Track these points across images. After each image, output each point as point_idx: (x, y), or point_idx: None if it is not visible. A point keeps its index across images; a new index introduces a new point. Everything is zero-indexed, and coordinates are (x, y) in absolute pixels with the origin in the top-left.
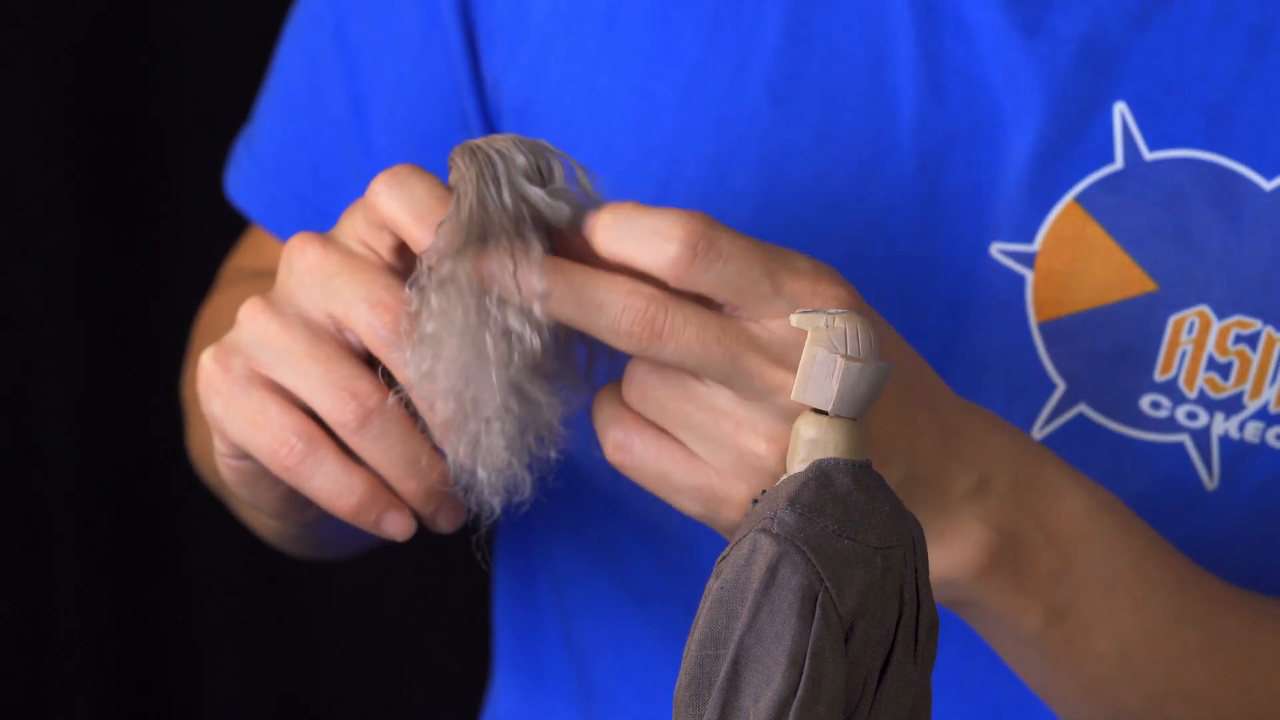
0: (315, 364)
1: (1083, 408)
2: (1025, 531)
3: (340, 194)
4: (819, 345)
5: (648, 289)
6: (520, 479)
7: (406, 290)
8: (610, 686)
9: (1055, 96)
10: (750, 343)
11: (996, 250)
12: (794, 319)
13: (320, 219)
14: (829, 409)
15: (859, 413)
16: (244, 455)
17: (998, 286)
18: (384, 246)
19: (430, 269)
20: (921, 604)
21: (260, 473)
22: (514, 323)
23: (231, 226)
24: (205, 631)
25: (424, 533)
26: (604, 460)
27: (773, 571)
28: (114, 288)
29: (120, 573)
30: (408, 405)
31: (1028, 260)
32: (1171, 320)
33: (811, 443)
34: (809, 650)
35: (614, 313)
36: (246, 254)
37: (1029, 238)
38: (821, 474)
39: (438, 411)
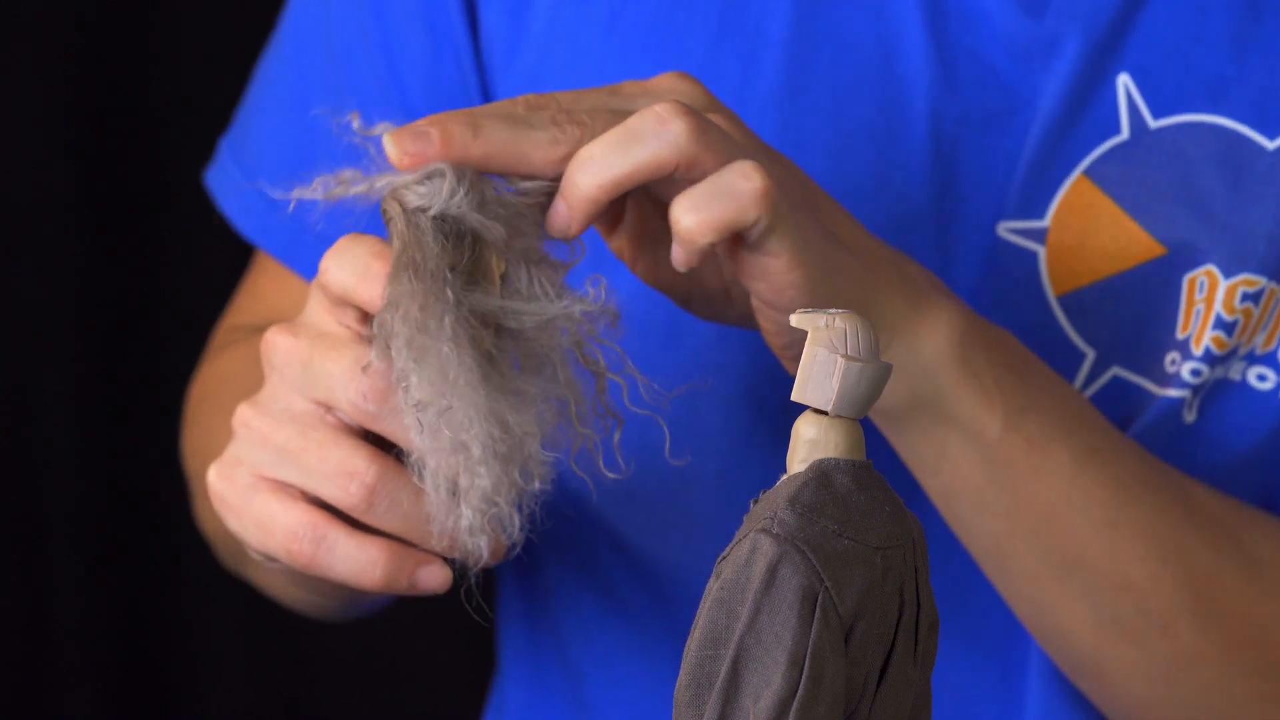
0: (309, 455)
1: (1116, 370)
2: (981, 324)
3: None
4: (819, 345)
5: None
6: (507, 517)
7: (373, 352)
8: (600, 700)
9: (1061, 75)
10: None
11: (1005, 229)
12: (794, 319)
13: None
14: (829, 409)
15: (859, 412)
16: (274, 559)
17: (1011, 265)
18: (350, 319)
19: (388, 318)
20: (922, 604)
21: (293, 571)
22: (474, 330)
23: (231, 226)
24: (205, 631)
25: None
26: (583, 478)
27: (773, 571)
28: (114, 288)
29: (120, 573)
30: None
31: (1039, 236)
32: (1185, 279)
33: (811, 442)
34: (809, 650)
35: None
36: (241, 310)
37: (1040, 214)
38: (821, 474)
39: (427, 459)
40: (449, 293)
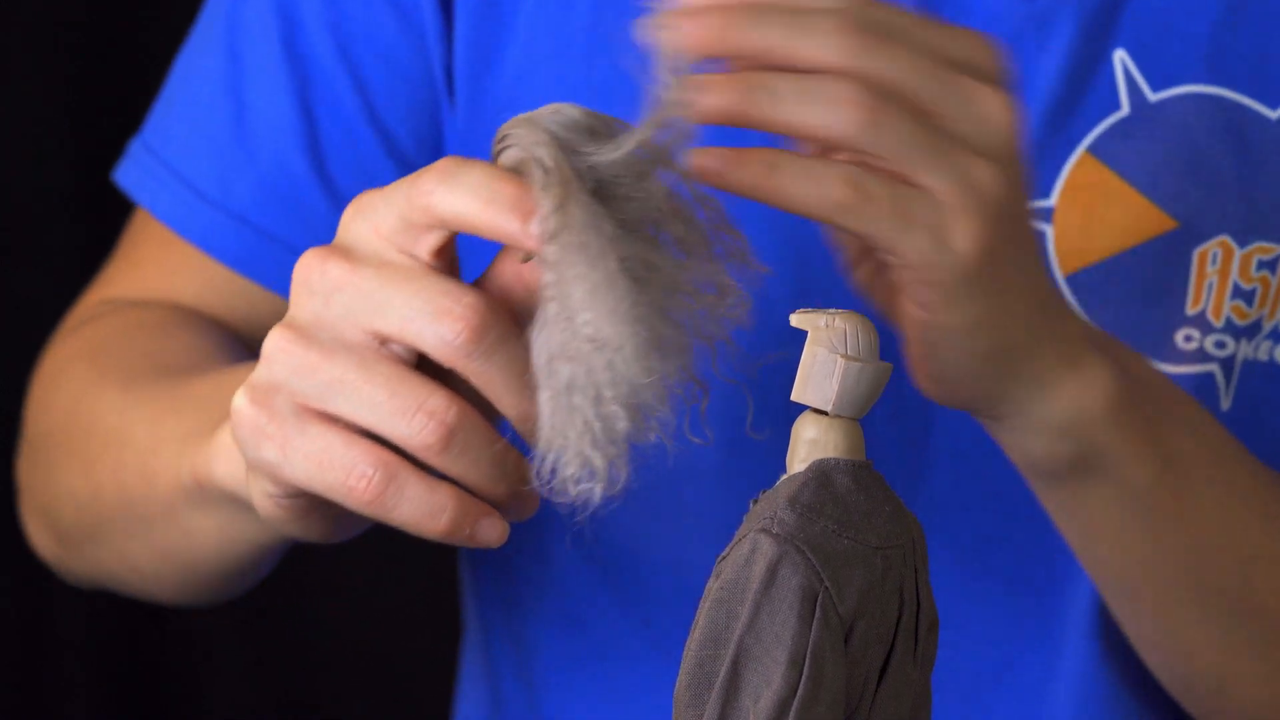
0: (376, 389)
1: None
2: (1131, 374)
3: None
4: (819, 345)
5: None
6: (619, 466)
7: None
8: (557, 704)
9: (1057, 54)
10: (947, 59)
11: None
12: (794, 319)
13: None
14: (829, 409)
15: (859, 412)
16: (295, 494)
17: None
18: (425, 249)
19: (547, 236)
20: (921, 604)
21: (311, 507)
22: (648, 254)
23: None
24: (205, 632)
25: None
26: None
27: (773, 571)
28: None
29: None
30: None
31: (1045, 216)
32: (1195, 253)
33: (811, 442)
34: (809, 650)
35: (820, 183)
36: (116, 282)
37: (1045, 193)
38: (821, 474)
39: (551, 397)
40: (608, 226)
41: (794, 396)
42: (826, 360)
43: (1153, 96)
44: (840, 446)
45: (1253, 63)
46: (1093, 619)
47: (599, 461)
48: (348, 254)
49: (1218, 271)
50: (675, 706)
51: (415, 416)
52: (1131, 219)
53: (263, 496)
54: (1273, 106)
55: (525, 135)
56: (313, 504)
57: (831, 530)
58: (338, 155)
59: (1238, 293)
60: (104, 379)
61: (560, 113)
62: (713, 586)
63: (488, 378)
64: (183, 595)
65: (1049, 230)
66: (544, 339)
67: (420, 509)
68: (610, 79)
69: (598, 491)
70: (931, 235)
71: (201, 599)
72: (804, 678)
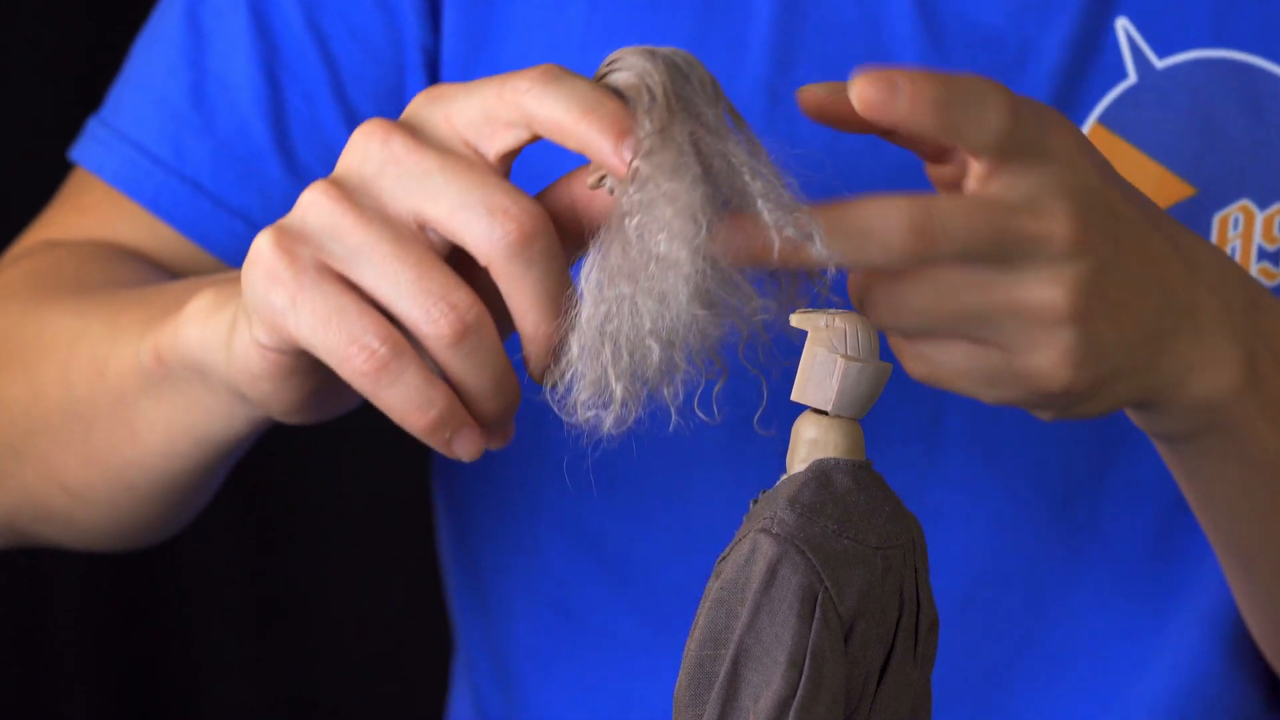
0: (406, 268)
1: None
2: (1260, 350)
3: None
4: (819, 345)
5: (900, 198)
6: (633, 403)
7: (604, 182)
8: (535, 694)
9: (1060, 27)
10: (1005, 207)
11: None
12: (794, 319)
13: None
14: (829, 409)
15: (859, 412)
16: (287, 349)
17: None
18: (496, 149)
19: (643, 152)
20: (921, 604)
21: (296, 369)
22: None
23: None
24: (205, 632)
25: (430, 532)
26: (528, 467)
27: (773, 571)
28: None
29: (120, 573)
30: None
31: None
32: (1216, 219)
33: (812, 442)
34: (809, 650)
35: (881, 229)
36: (57, 224)
37: None
38: (821, 474)
39: (591, 316)
40: (701, 165)
41: (794, 396)
42: (826, 360)
43: (1159, 64)
44: (840, 446)
45: (1258, 22)
46: (1110, 594)
47: (618, 391)
48: (414, 132)
49: (1240, 235)
50: (675, 706)
51: (437, 304)
52: (1149, 188)
53: (250, 344)
54: None
55: (639, 62)
56: (298, 365)
57: (831, 530)
58: (301, 127)
59: (1263, 255)
60: (55, 292)
61: (687, 59)
62: (712, 586)
63: (521, 286)
64: (105, 524)
65: None
66: (603, 256)
67: (411, 398)
68: None
69: (607, 421)
70: (1023, 391)
71: (124, 532)
72: (804, 678)
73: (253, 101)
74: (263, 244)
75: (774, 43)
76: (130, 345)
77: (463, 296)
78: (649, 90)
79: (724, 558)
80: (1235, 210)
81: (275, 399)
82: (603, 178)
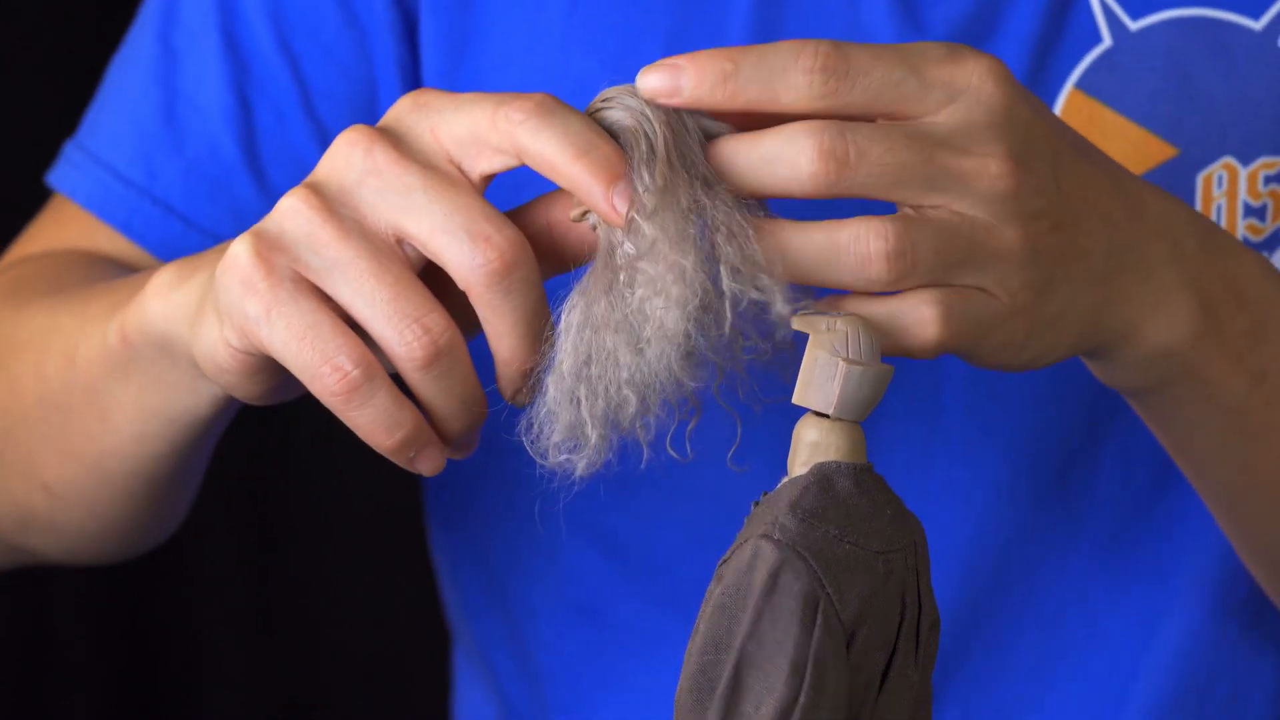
0: (382, 287)
1: None
2: (1219, 294)
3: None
4: (820, 349)
5: (812, 122)
6: (604, 449)
7: (594, 226)
8: (565, 693)
9: None
10: (931, 139)
11: None
12: (794, 322)
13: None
14: (830, 412)
15: (860, 415)
16: (256, 354)
17: None
18: (480, 170)
19: (638, 206)
20: (923, 606)
21: (262, 367)
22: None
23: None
24: (205, 632)
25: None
26: (540, 468)
27: (774, 578)
28: None
29: (120, 573)
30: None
31: None
32: (1200, 178)
33: (813, 445)
34: (811, 657)
35: (790, 157)
36: (39, 240)
37: None
38: (823, 477)
39: (571, 361)
40: (701, 198)
41: (795, 399)
42: (828, 364)
43: (1133, 25)
44: (842, 449)
45: None
46: (1107, 560)
47: (592, 438)
48: (397, 143)
49: (1225, 193)
50: (676, 711)
51: (410, 327)
52: (1130, 151)
53: (219, 341)
54: (1255, 17)
55: (635, 102)
56: (266, 365)
57: (833, 536)
58: (271, 145)
59: (1249, 211)
60: (31, 295)
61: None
62: (714, 591)
63: (499, 313)
64: (88, 525)
65: None
66: (586, 302)
67: (379, 420)
68: (586, 71)
69: (580, 466)
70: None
71: (107, 534)
72: (806, 685)
73: (222, 121)
74: (240, 250)
75: (753, 29)
76: (98, 330)
77: (436, 320)
78: (647, 136)
79: (725, 561)
80: (1218, 168)
81: (239, 389)
82: (586, 212)
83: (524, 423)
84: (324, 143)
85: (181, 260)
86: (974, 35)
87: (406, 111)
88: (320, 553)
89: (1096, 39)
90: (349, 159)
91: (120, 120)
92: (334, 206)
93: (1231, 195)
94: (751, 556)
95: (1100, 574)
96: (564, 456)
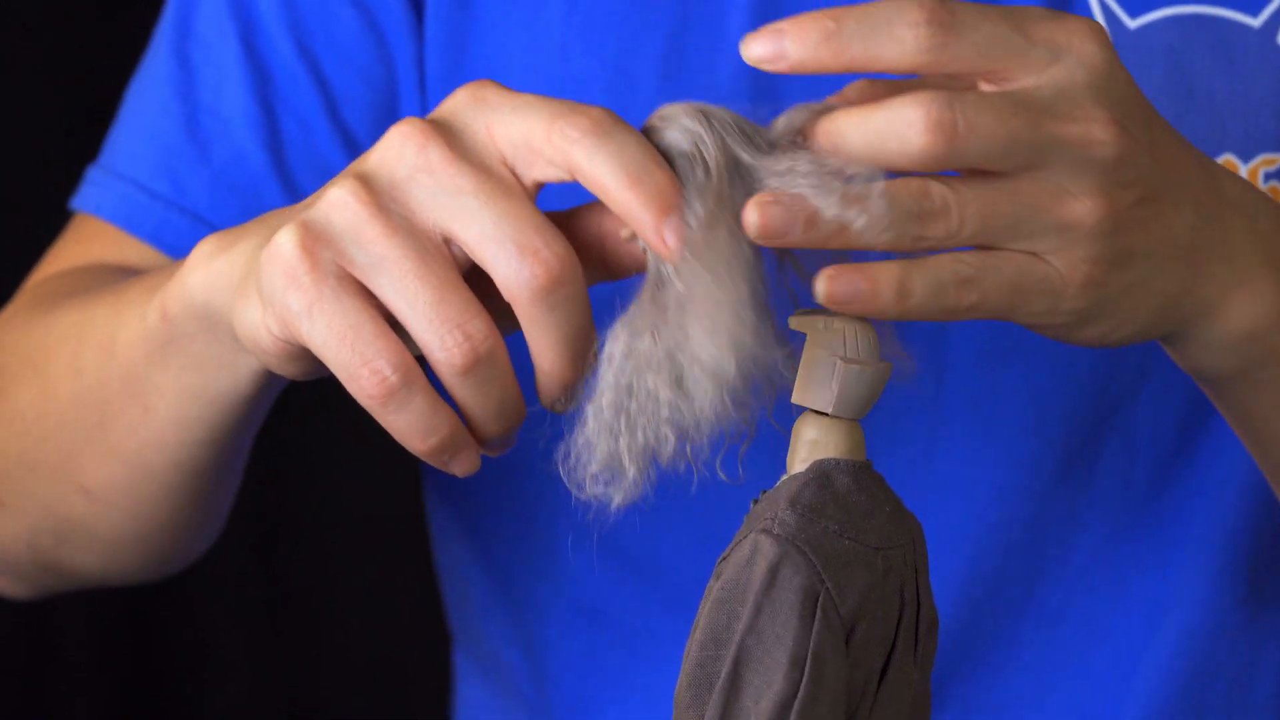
0: (426, 289)
1: None
2: None
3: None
4: (818, 348)
5: (921, 92)
6: (643, 482)
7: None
8: (571, 693)
9: None
10: (1038, 106)
11: None
12: (792, 321)
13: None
14: (829, 410)
15: (859, 413)
16: (295, 343)
17: None
18: (534, 178)
19: (691, 246)
20: (921, 604)
21: (302, 354)
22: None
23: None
24: (206, 633)
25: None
26: (545, 468)
27: (774, 572)
28: None
29: None
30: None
31: None
32: None
33: (812, 443)
34: (810, 651)
35: (899, 131)
36: (64, 259)
37: None
38: (822, 474)
39: (612, 393)
40: (748, 251)
41: (794, 399)
42: (826, 362)
43: (1132, 23)
44: (841, 447)
45: None
46: (1111, 551)
47: (630, 471)
48: (451, 141)
49: None
50: (676, 707)
51: (452, 332)
52: None
53: (260, 325)
54: (1254, 14)
55: (694, 125)
56: (305, 353)
57: (833, 531)
58: (297, 152)
59: None
60: (61, 300)
61: (737, 121)
62: (713, 587)
63: (543, 328)
64: (128, 529)
65: None
66: (630, 334)
67: (414, 425)
68: (586, 72)
69: (616, 499)
70: (1049, 296)
71: (148, 539)
72: (805, 679)
73: (248, 129)
74: (285, 241)
75: (755, 28)
76: (136, 315)
77: (479, 326)
78: (703, 161)
79: (724, 558)
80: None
81: (279, 369)
82: (635, 234)
83: (561, 450)
84: (349, 147)
85: (222, 231)
86: None
87: (464, 105)
88: (322, 554)
89: None
90: (401, 152)
91: (140, 138)
92: (383, 201)
93: None
94: (751, 551)
95: (1101, 570)
96: (601, 488)
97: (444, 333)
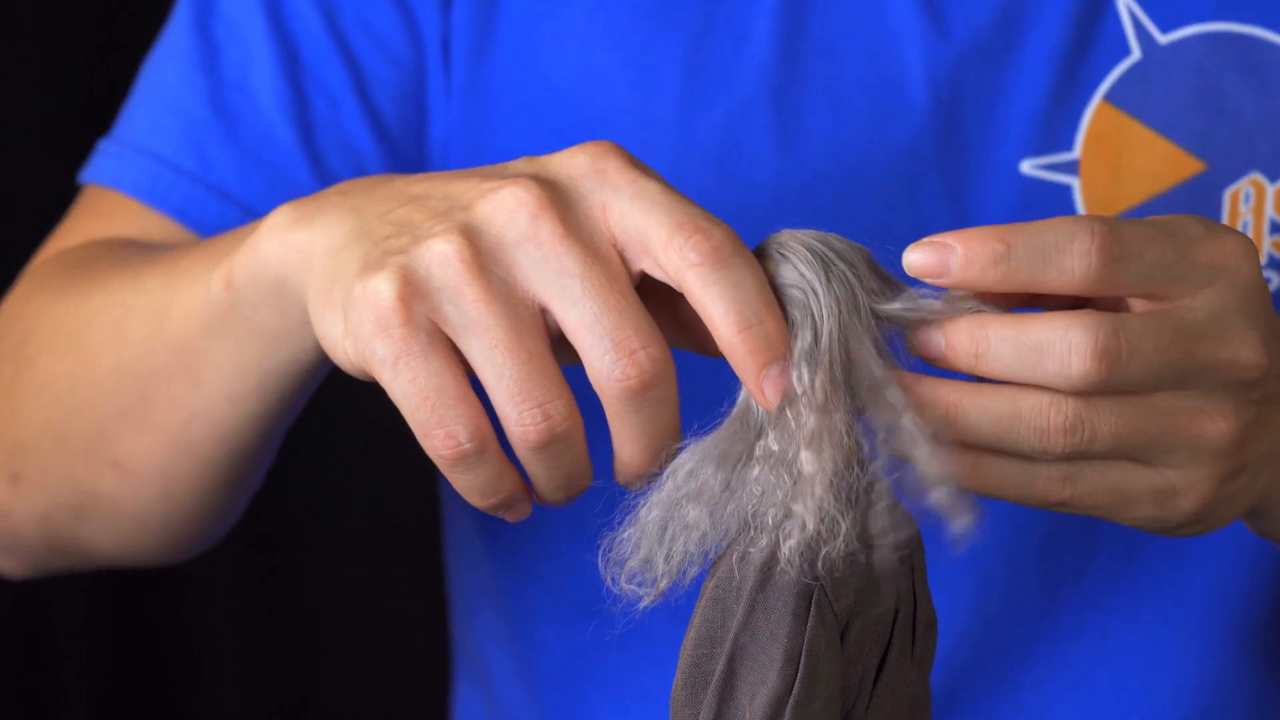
0: (514, 363)
1: None
2: None
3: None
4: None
5: (1086, 315)
6: (671, 587)
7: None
8: (564, 695)
9: (1060, 6)
10: (1193, 331)
11: (1031, 166)
12: None
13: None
14: None
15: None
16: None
17: (1043, 202)
18: (640, 269)
19: (788, 399)
20: (919, 602)
21: (368, 374)
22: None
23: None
24: (205, 633)
25: (430, 533)
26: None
27: (768, 569)
28: None
29: (120, 573)
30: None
31: (1071, 169)
32: (1227, 194)
33: None
34: (804, 648)
35: (1062, 353)
36: (77, 233)
37: (1067, 146)
38: None
39: (668, 502)
40: (843, 418)
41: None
42: None
43: (1163, 39)
44: None
45: None
46: (1119, 583)
47: (662, 581)
48: (564, 214)
49: (1252, 210)
50: (671, 705)
51: (533, 410)
52: (1158, 164)
53: (337, 343)
54: None
55: (812, 276)
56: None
57: None
58: (325, 130)
59: (1275, 228)
60: (94, 270)
61: (854, 267)
62: (708, 585)
63: (626, 424)
64: (155, 507)
65: (1075, 183)
66: (701, 460)
67: (478, 486)
68: (609, 67)
69: (645, 600)
70: (1156, 506)
71: (172, 517)
72: (799, 675)
73: (276, 106)
74: (384, 288)
75: (778, 32)
76: (195, 283)
77: (559, 408)
78: (814, 323)
79: (720, 556)
80: (1246, 185)
81: (343, 369)
82: None
83: (606, 539)
84: (377, 128)
85: (297, 201)
86: (1001, 43)
87: (583, 174)
88: (320, 555)
89: (1125, 51)
90: (513, 217)
91: (162, 110)
92: (485, 263)
93: (1258, 212)
94: (745, 549)
95: (1113, 595)
96: (633, 586)
97: (524, 409)
